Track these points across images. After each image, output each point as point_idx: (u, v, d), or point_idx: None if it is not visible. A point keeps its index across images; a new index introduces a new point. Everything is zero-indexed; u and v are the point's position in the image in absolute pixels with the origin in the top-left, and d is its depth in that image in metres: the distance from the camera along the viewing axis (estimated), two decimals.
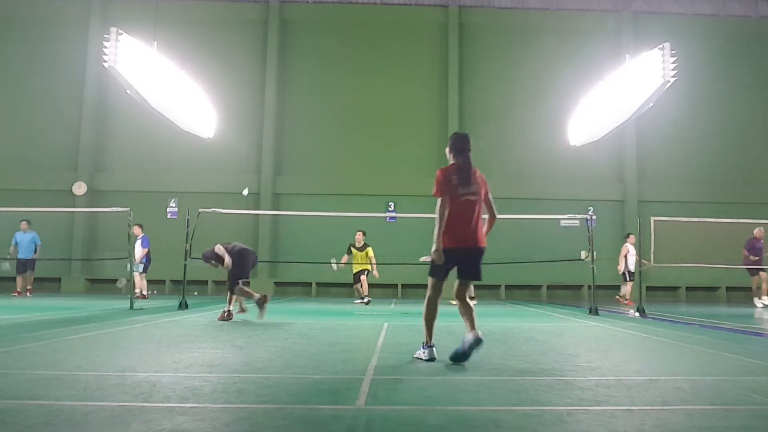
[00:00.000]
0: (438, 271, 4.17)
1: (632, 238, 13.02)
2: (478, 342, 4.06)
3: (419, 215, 15.75)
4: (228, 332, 5.85)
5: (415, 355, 4.22)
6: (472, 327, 4.18)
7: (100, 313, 8.52)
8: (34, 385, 3.01)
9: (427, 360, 4.06)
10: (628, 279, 13.37)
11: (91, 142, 18.68)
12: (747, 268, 12.83)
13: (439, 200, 4.17)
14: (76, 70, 18.86)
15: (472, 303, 4.28)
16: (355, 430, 2.25)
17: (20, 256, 14.00)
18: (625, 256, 13.36)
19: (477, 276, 4.23)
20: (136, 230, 13.29)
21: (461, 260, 4.17)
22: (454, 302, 4.30)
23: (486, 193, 4.34)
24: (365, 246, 12.77)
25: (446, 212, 4.12)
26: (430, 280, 4.23)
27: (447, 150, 4.42)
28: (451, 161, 4.37)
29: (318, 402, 2.74)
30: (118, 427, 2.24)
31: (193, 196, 17.57)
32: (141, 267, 13.46)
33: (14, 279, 14.50)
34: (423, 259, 11.30)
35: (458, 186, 4.18)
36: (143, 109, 11.19)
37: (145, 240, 13.69)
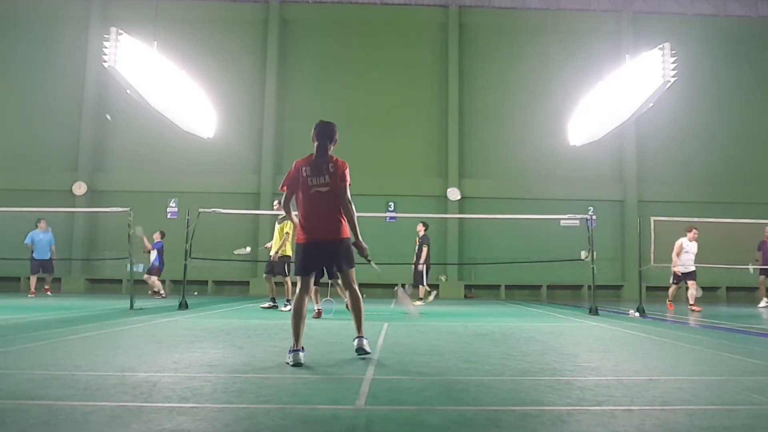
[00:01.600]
0: (299, 267, 4.10)
1: (694, 233, 11.18)
2: (361, 353, 4.06)
3: (419, 215, 15.76)
4: (228, 332, 5.85)
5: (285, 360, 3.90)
6: (359, 329, 4.16)
7: (100, 313, 8.52)
8: (34, 385, 3.01)
9: (293, 365, 3.71)
10: (686, 280, 11.31)
11: (91, 142, 18.69)
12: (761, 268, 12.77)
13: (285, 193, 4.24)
14: (76, 70, 18.87)
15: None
16: (355, 430, 2.25)
17: (36, 256, 13.92)
18: (678, 255, 11.26)
19: (342, 267, 4.11)
20: (157, 236, 14.39)
21: (322, 253, 4.09)
22: (429, 299, 4.25)
23: (340, 182, 4.11)
24: (284, 219, 9.85)
25: (296, 205, 4.20)
26: (298, 279, 4.13)
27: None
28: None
29: (318, 402, 2.74)
30: (118, 427, 2.24)
31: (193, 196, 17.58)
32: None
33: (17, 278, 14.46)
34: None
35: (308, 177, 4.09)
36: (143, 109, 11.19)
37: (158, 245, 14.37)
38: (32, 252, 13.94)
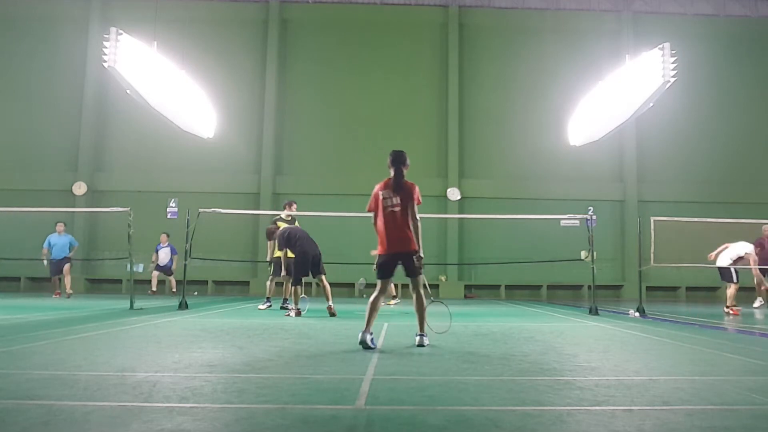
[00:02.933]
0: (379, 273, 4.89)
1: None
2: (419, 346, 4.69)
3: (419, 215, 15.77)
4: (228, 332, 5.85)
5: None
6: (420, 328, 4.87)
7: (100, 313, 8.52)
8: (34, 385, 3.00)
9: (359, 343, 4.51)
10: (733, 280, 10.84)
11: (91, 142, 18.70)
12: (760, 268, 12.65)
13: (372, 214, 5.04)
14: (76, 70, 18.88)
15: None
16: (355, 430, 2.25)
17: (54, 257, 13.92)
18: (722, 253, 10.96)
19: (412, 273, 4.85)
20: (163, 238, 15.26)
21: (395, 262, 4.86)
22: (392, 302, 4.77)
23: (410, 202, 4.88)
24: (294, 221, 9.73)
25: (377, 224, 4.93)
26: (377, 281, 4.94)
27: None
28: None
29: (318, 402, 2.73)
30: (118, 427, 2.24)
31: (193, 196, 17.59)
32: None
33: (18, 278, 14.39)
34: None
35: (385, 199, 4.87)
36: (143, 109, 11.19)
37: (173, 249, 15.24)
38: (50, 255, 13.95)
